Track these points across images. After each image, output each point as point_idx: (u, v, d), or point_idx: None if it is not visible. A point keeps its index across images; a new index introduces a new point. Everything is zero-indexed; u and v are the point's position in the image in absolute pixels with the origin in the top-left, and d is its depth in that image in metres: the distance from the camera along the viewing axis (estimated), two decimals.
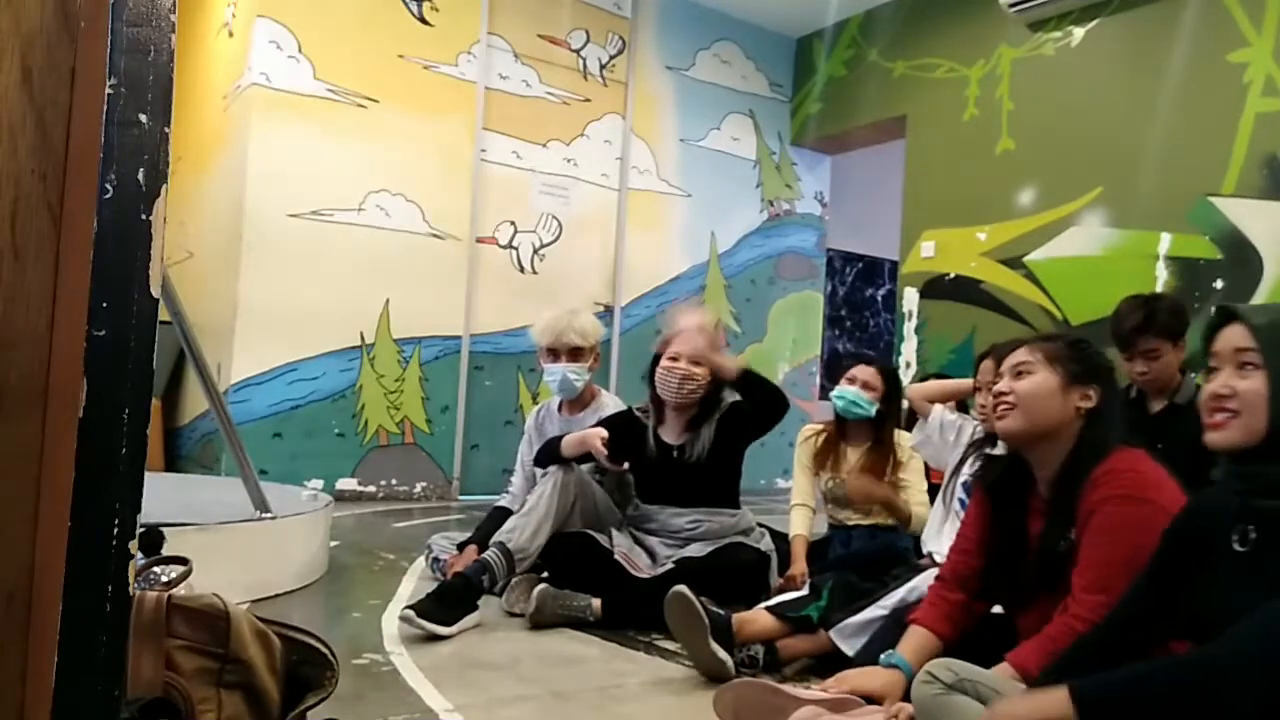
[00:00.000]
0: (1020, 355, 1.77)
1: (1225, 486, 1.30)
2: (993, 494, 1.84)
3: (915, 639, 1.78)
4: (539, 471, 3.02)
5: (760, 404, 2.69)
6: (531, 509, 2.68)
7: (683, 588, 2.10)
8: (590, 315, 3.16)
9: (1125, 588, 1.46)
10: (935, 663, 1.42)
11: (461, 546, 2.92)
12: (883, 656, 1.77)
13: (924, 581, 2.02)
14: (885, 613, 2.03)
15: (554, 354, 3.04)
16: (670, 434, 2.80)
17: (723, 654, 2.05)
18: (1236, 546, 1.24)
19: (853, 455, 2.97)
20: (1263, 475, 1.21)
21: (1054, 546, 1.66)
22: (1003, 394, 1.75)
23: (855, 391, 2.90)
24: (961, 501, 2.42)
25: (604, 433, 2.70)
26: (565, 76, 5.51)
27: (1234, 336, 1.26)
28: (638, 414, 2.85)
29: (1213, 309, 1.35)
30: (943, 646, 1.75)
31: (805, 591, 2.29)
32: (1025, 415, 1.70)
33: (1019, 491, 1.79)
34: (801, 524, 2.91)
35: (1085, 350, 1.77)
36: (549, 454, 2.81)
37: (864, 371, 2.93)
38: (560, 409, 3.16)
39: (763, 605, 2.25)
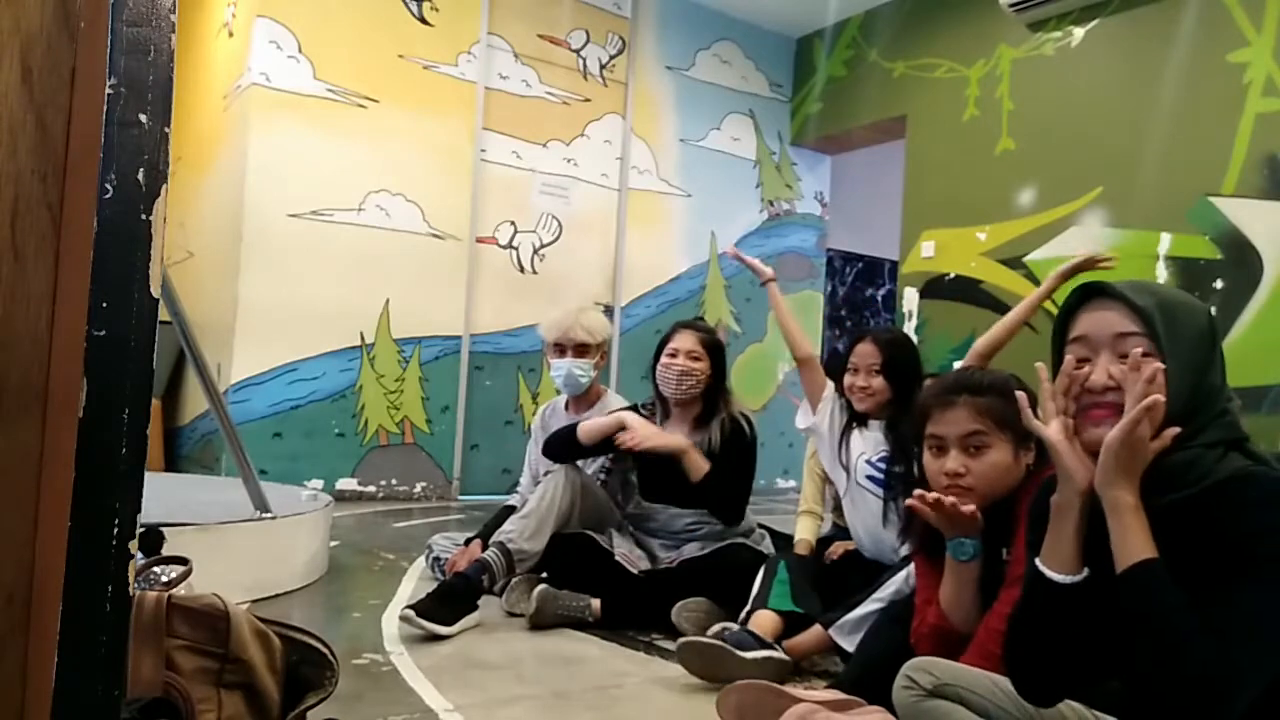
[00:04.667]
0: (968, 420, 1.60)
1: None
2: (929, 549, 1.73)
3: None
4: (544, 470, 3.03)
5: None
6: (531, 510, 2.68)
7: (685, 641, 2.09)
8: (598, 313, 3.17)
9: None
10: (914, 665, 1.35)
11: (468, 542, 2.93)
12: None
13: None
14: (881, 605, 2.04)
15: (560, 350, 3.04)
16: (677, 432, 2.81)
17: (762, 654, 2.06)
18: None
19: None
20: (1150, 474, 1.10)
21: (992, 565, 1.61)
22: (957, 474, 1.59)
23: None
24: (871, 479, 2.47)
25: (632, 417, 2.71)
26: (565, 76, 5.51)
27: (1111, 319, 1.12)
28: (644, 411, 2.86)
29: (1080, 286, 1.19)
30: None
31: (760, 579, 2.36)
32: (983, 496, 1.59)
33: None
34: (807, 530, 2.90)
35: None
36: (562, 444, 2.80)
37: None
38: (566, 407, 3.17)
39: (750, 607, 2.31)
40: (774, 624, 2.22)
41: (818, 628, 2.18)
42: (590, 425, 2.76)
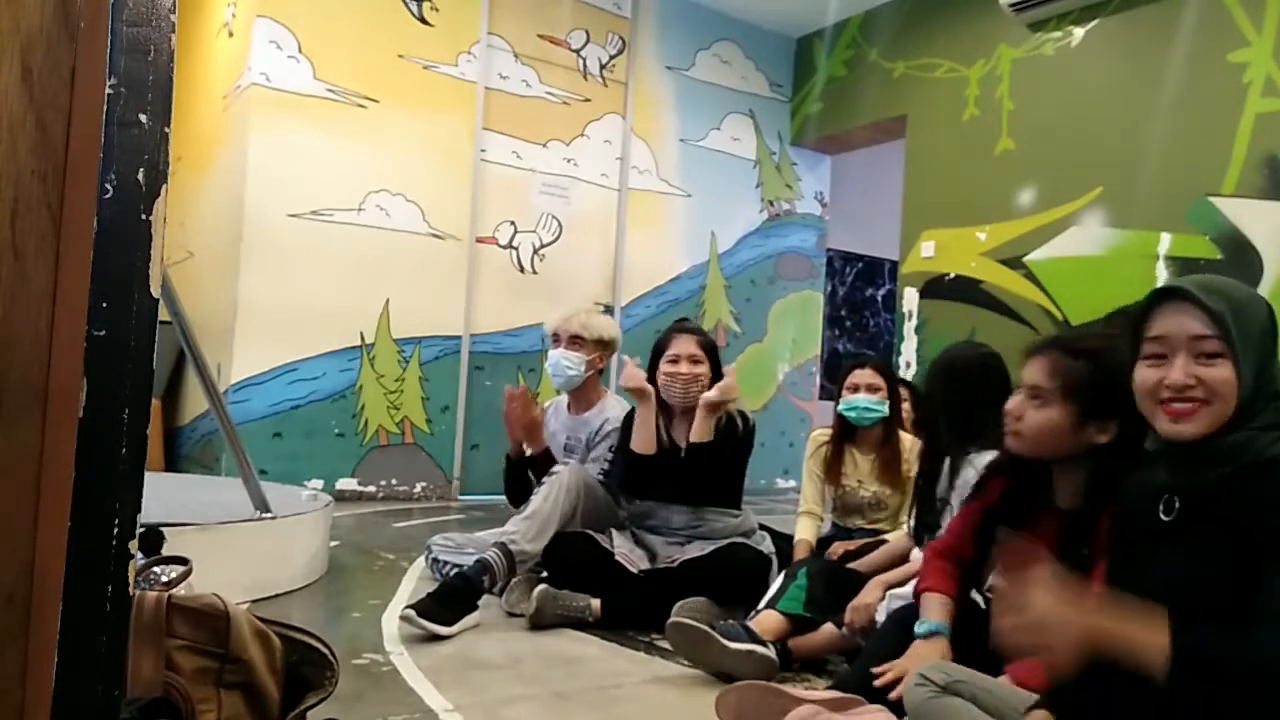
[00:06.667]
0: (1039, 374, 1.62)
1: (1151, 460, 1.26)
2: (1005, 494, 1.76)
3: (938, 605, 1.76)
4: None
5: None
6: (535, 511, 2.67)
7: (674, 620, 2.15)
8: (606, 317, 3.21)
9: None
10: (927, 664, 1.40)
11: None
12: (917, 627, 1.74)
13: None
14: (903, 602, 2.03)
15: (556, 340, 3.08)
16: (679, 433, 2.81)
17: (747, 646, 2.07)
18: (1162, 516, 1.21)
19: (863, 461, 2.95)
20: (1203, 450, 1.17)
21: (1071, 560, 1.60)
22: (1011, 413, 1.65)
23: (864, 398, 2.89)
24: None
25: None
26: (565, 76, 5.51)
27: (1187, 322, 1.19)
28: None
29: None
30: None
31: (780, 580, 2.37)
32: (1030, 445, 1.63)
33: (1030, 495, 1.72)
34: (807, 531, 2.90)
35: (1114, 381, 1.61)
36: (634, 475, 2.79)
37: (863, 375, 2.92)
38: (569, 408, 3.18)
39: (760, 606, 2.30)
40: (777, 624, 2.22)
41: (829, 626, 2.18)
42: (638, 435, 2.74)
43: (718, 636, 2.08)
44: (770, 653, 2.10)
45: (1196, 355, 1.18)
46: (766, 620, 2.23)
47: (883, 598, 2.15)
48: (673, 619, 2.17)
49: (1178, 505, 1.20)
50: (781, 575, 2.41)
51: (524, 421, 3.00)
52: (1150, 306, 1.24)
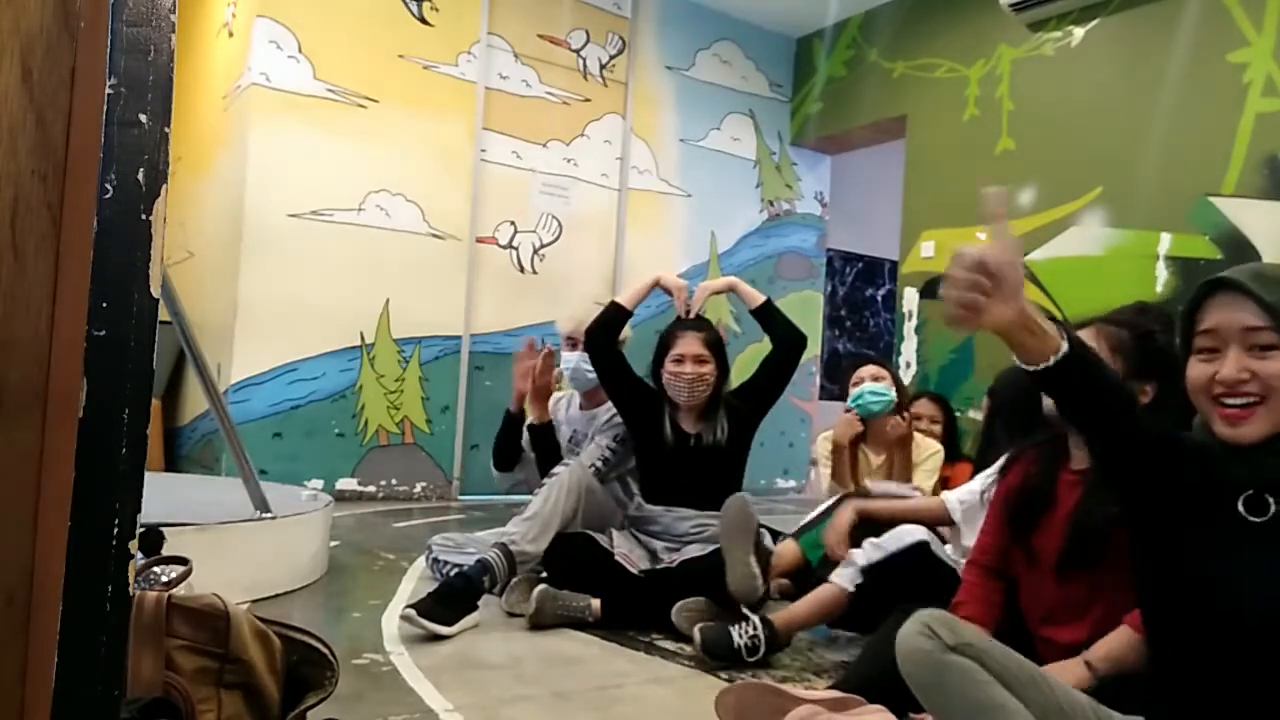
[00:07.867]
0: (1087, 339, 1.66)
1: (1228, 454, 1.19)
2: (1026, 465, 1.78)
3: None
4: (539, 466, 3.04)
5: (782, 337, 2.85)
6: (536, 513, 2.67)
7: (743, 496, 2.40)
8: None
9: None
10: (936, 617, 1.25)
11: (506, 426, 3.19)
12: None
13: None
14: (881, 553, 2.10)
15: (572, 343, 3.08)
16: (686, 424, 2.82)
17: (756, 569, 2.26)
18: (1251, 517, 1.15)
19: (874, 458, 2.95)
20: (1275, 449, 1.12)
21: (1093, 518, 1.59)
22: None
23: (870, 386, 2.88)
24: None
25: (670, 279, 2.96)
26: (565, 76, 5.51)
27: (1239, 314, 1.14)
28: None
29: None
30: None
31: (815, 513, 2.51)
32: None
33: (1050, 467, 1.74)
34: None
35: (1151, 344, 1.69)
36: (601, 324, 2.88)
37: (868, 369, 2.93)
38: (580, 404, 3.18)
39: (790, 533, 2.46)
40: (792, 557, 2.49)
41: (814, 594, 2.18)
42: (631, 291, 2.92)
43: (752, 541, 2.33)
44: (759, 583, 2.32)
45: (1250, 348, 1.13)
46: (785, 550, 2.36)
47: (856, 521, 2.19)
48: (739, 496, 2.37)
49: (1274, 507, 1.15)
50: (824, 506, 2.53)
51: (539, 381, 3.01)
52: (1201, 298, 1.20)
